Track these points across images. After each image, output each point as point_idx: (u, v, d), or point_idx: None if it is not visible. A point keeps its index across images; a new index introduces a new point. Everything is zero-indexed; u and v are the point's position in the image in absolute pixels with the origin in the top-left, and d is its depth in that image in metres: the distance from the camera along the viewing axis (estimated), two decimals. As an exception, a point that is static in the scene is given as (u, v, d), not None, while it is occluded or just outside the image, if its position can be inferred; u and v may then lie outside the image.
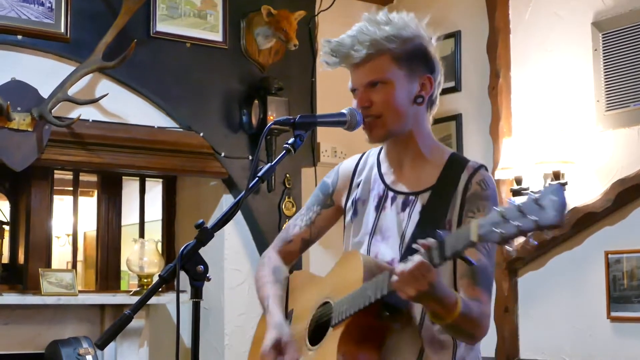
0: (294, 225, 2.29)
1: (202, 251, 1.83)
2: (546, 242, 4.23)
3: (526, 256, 4.32)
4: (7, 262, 4.45)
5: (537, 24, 4.45)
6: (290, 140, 1.95)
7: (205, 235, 1.82)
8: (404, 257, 1.91)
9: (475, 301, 1.89)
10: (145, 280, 4.54)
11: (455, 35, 4.82)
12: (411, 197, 2.04)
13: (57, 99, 3.91)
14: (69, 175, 4.69)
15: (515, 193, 4.21)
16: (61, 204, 5.37)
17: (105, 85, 4.17)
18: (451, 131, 4.74)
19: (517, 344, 4.33)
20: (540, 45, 4.42)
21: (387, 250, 2.04)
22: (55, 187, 4.55)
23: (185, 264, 1.80)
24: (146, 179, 4.93)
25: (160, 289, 1.93)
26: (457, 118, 4.76)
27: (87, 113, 4.09)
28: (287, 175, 4.67)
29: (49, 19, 4.01)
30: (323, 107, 4.73)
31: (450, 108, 4.77)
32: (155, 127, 4.33)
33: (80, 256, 5.43)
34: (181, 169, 4.49)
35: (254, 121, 4.51)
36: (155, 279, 1.88)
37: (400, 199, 2.06)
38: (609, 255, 4.02)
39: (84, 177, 4.83)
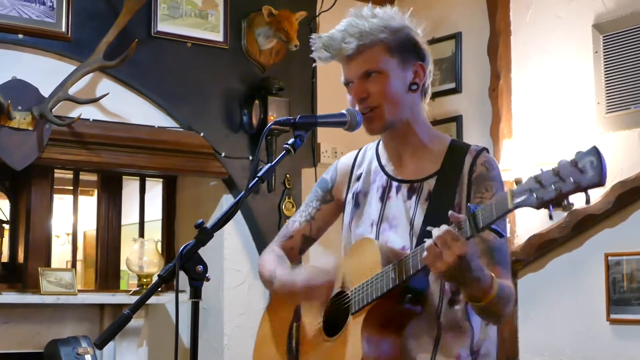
0: (294, 222, 2.29)
1: (202, 251, 1.83)
2: (546, 244, 4.23)
3: (526, 258, 4.32)
4: (6, 261, 4.45)
5: (538, 26, 4.45)
6: (291, 141, 1.95)
7: (204, 235, 1.82)
8: (418, 244, 1.91)
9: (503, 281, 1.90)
10: (145, 280, 4.54)
11: (456, 37, 4.82)
12: (416, 185, 2.05)
13: (58, 98, 3.91)
14: (69, 175, 4.69)
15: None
16: (61, 203, 5.37)
17: (105, 85, 4.17)
18: (451, 132, 4.74)
19: (516, 345, 4.33)
20: (541, 47, 4.42)
21: (396, 238, 2.04)
22: (55, 186, 4.54)
23: (184, 263, 1.80)
24: (146, 178, 4.93)
25: (159, 289, 1.93)
26: (457, 119, 4.76)
27: (88, 112, 4.09)
28: (287, 175, 4.67)
29: (50, 18, 4.01)
30: (323, 107, 4.73)
31: (451, 109, 4.77)
32: (156, 126, 4.33)
33: (79, 255, 5.43)
34: (181, 169, 4.49)
35: (255, 121, 4.51)
36: (155, 278, 1.87)
37: (404, 187, 2.06)
38: (609, 258, 4.02)
39: (84, 177, 4.83)
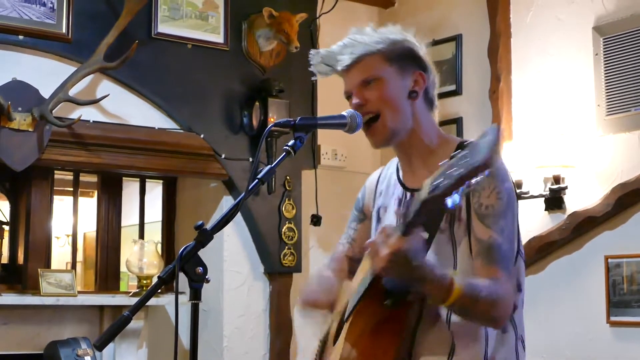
0: (339, 244, 2.30)
1: (202, 253, 1.83)
2: (546, 247, 4.23)
3: (526, 260, 4.31)
4: (6, 262, 4.45)
5: (538, 28, 4.45)
6: (291, 143, 1.94)
7: (204, 236, 1.82)
8: None
9: (489, 280, 1.86)
10: (145, 282, 4.54)
11: (456, 39, 4.82)
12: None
13: (58, 100, 3.91)
14: (69, 176, 4.69)
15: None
16: (61, 204, 5.37)
17: (106, 86, 4.18)
18: (451, 134, 4.73)
19: (516, 347, 4.33)
20: (541, 49, 4.42)
21: None
22: (55, 188, 4.55)
23: (184, 265, 1.80)
24: (146, 180, 4.92)
25: (159, 291, 1.92)
26: (457, 121, 4.76)
27: (88, 113, 4.09)
28: (288, 177, 4.67)
29: (51, 19, 4.01)
30: (324, 109, 4.73)
31: (451, 111, 4.77)
32: (156, 128, 4.33)
33: (79, 257, 5.43)
34: (181, 170, 4.49)
35: (255, 123, 4.51)
36: (155, 280, 1.87)
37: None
38: (609, 260, 4.02)
39: (84, 178, 4.83)
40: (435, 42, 4.74)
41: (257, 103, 4.51)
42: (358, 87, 2.03)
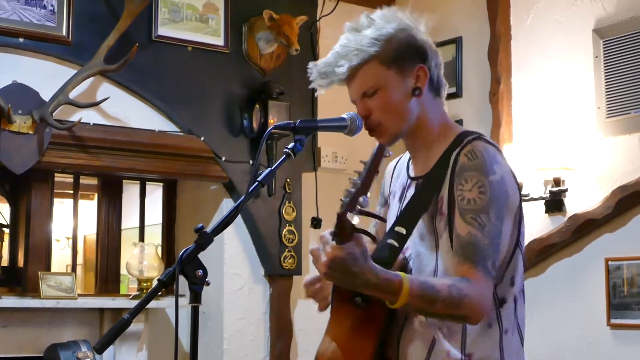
0: (371, 227, 2.27)
1: (202, 255, 1.83)
2: (546, 249, 4.23)
3: (525, 262, 4.31)
4: (6, 264, 4.45)
5: (538, 30, 4.45)
6: (291, 145, 1.95)
7: (204, 239, 1.82)
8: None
9: (458, 278, 1.83)
10: (145, 284, 4.54)
11: (457, 41, 4.82)
12: (418, 182, 2.04)
13: (59, 102, 3.91)
14: (69, 179, 4.69)
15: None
16: (61, 207, 5.37)
17: (106, 89, 4.18)
18: (452, 137, 4.74)
19: (516, 350, 4.32)
20: (541, 51, 4.42)
21: None
22: (55, 190, 4.54)
23: (184, 268, 1.80)
24: (146, 182, 4.92)
25: (159, 293, 1.92)
26: (458, 124, 4.75)
27: (88, 116, 4.09)
28: (288, 180, 4.67)
29: (51, 22, 4.01)
30: (324, 111, 4.73)
31: (451, 114, 4.69)
32: (156, 130, 4.33)
33: (80, 259, 5.42)
34: (182, 173, 4.49)
35: (255, 125, 4.51)
36: (155, 283, 1.87)
37: (413, 185, 2.06)
38: (609, 262, 4.02)
39: (84, 180, 4.83)
40: (436, 45, 4.72)
41: (257, 105, 4.52)
42: (360, 98, 2.02)
